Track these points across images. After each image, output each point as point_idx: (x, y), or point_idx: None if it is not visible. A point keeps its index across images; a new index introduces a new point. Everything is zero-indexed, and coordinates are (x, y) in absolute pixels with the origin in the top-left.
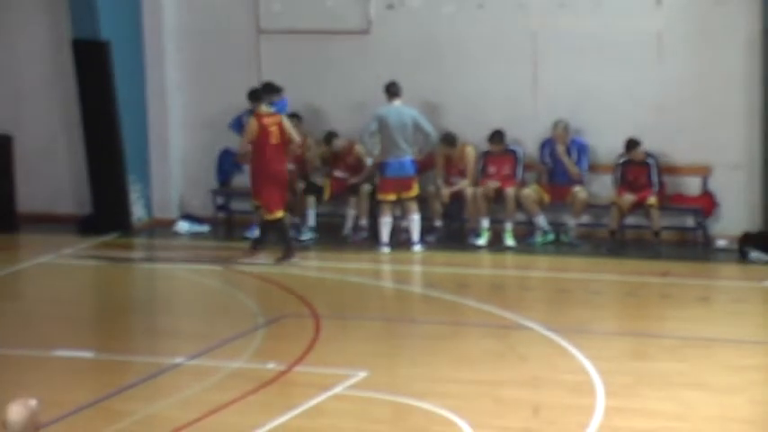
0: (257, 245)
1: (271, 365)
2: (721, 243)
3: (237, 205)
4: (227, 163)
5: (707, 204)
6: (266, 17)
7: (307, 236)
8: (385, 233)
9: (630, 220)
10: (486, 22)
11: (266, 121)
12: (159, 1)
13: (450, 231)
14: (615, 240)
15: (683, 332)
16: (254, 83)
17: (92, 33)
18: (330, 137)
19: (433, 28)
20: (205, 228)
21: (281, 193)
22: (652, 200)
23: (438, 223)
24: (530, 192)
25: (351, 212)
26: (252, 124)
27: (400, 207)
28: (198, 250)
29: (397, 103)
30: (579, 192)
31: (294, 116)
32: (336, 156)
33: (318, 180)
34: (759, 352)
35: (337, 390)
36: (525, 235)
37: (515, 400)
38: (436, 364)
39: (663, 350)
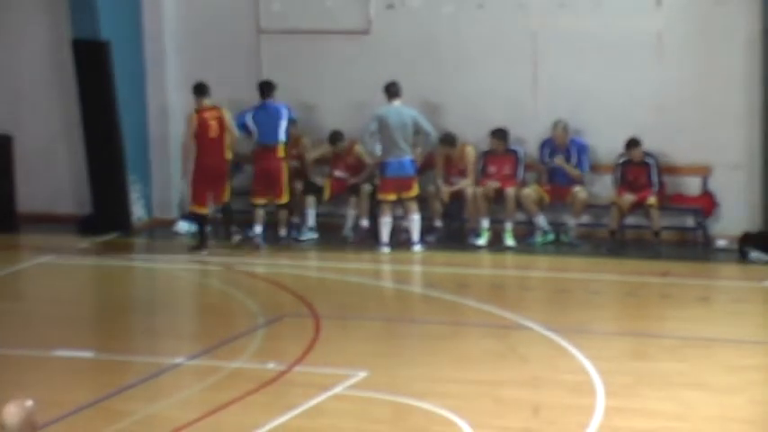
0: (200, 240)
1: (271, 365)
2: (721, 243)
3: (237, 205)
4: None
5: (707, 204)
6: (266, 17)
7: (307, 236)
8: (385, 233)
9: (630, 220)
10: (486, 23)
11: (206, 114)
12: (159, 1)
13: (451, 231)
14: (615, 240)
15: (683, 332)
16: (255, 82)
17: (92, 33)
18: (335, 137)
19: (432, 28)
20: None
21: (213, 187)
22: (652, 200)
23: (438, 223)
24: (530, 192)
25: (351, 212)
26: (191, 118)
27: (401, 207)
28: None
29: (396, 103)
30: (579, 192)
31: (290, 120)
32: (337, 156)
33: (318, 180)
34: (759, 352)
35: (337, 390)
36: (525, 235)
37: (515, 401)
38: (436, 364)
39: (663, 350)
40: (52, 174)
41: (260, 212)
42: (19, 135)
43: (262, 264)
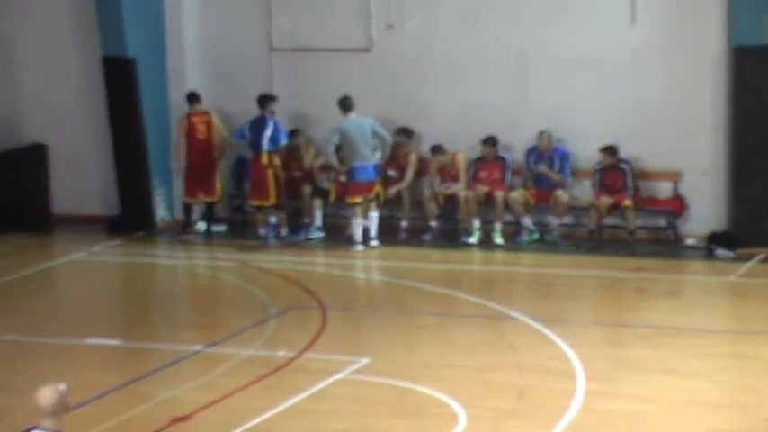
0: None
1: (281, 353)
2: (690, 241)
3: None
4: (242, 169)
5: (677, 206)
6: (278, 36)
7: (314, 235)
8: (358, 233)
9: (608, 220)
10: (478, 41)
11: (195, 119)
12: (181, 21)
13: (445, 231)
14: (594, 239)
15: (655, 322)
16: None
17: (119, 51)
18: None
19: (428, 46)
20: (222, 227)
21: (201, 182)
22: (627, 202)
23: (433, 223)
24: (517, 195)
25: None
26: (181, 121)
27: (401, 208)
28: (216, 248)
29: (352, 115)
30: (561, 195)
31: (295, 131)
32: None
33: (325, 185)
34: (723, 340)
35: (342, 375)
36: (513, 234)
37: (503, 384)
38: (432, 352)
39: (637, 338)
40: (83, 179)
41: (259, 214)
42: (54, 144)
43: (273, 260)
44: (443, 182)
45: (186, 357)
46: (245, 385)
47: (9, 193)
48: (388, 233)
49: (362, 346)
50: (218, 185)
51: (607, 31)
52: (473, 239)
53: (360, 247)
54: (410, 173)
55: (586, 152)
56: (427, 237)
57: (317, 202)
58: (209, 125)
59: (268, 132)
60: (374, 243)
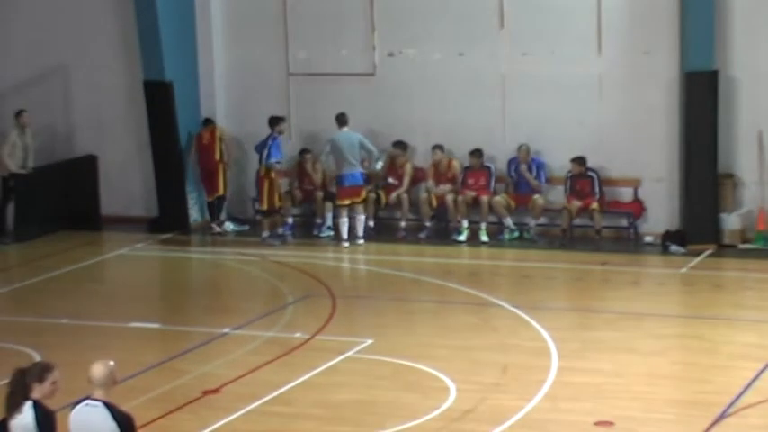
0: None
1: (298, 335)
2: (648, 239)
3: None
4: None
5: (637, 209)
6: (294, 62)
7: (325, 233)
8: (344, 231)
9: (578, 221)
10: (466, 67)
11: (203, 133)
12: (211, 49)
13: (438, 230)
14: (566, 237)
15: (618, 308)
16: (285, 114)
17: (158, 75)
18: None
19: (424, 71)
20: (246, 227)
21: (207, 181)
22: (594, 205)
23: (428, 223)
24: (500, 199)
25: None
26: (194, 138)
27: (400, 210)
28: (241, 244)
29: (345, 129)
30: (538, 199)
31: (304, 150)
32: None
33: (334, 190)
34: (677, 324)
35: (349, 354)
36: (496, 233)
37: (488, 362)
38: (426, 334)
39: (603, 322)
40: (128, 185)
41: (261, 218)
42: (102, 155)
43: (290, 255)
44: (439, 183)
45: (216, 338)
46: (266, 362)
47: (65, 197)
48: (389, 232)
49: (367, 328)
50: (222, 183)
51: (576, 60)
52: (462, 237)
53: (345, 244)
54: (407, 180)
55: (559, 162)
56: (423, 235)
57: (328, 205)
58: (212, 133)
59: (266, 149)
60: (361, 241)
